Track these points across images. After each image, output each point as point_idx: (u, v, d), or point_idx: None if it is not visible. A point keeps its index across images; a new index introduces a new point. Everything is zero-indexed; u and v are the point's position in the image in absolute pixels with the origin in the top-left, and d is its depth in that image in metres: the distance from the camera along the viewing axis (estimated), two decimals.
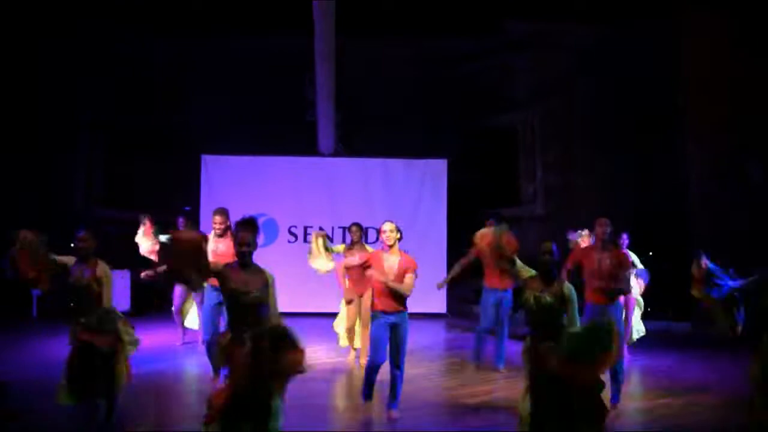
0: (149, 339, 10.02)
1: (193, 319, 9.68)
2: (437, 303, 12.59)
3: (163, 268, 5.63)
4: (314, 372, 7.88)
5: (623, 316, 8.37)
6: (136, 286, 12.41)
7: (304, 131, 13.74)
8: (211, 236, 7.47)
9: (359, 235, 8.53)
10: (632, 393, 7.03)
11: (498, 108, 13.95)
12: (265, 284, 4.58)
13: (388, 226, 6.02)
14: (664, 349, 9.30)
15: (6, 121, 12.64)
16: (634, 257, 8.62)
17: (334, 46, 11.47)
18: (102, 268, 5.76)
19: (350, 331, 8.41)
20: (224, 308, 6.72)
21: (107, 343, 5.42)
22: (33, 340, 9.85)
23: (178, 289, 9.66)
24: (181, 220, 9.96)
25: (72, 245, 5.88)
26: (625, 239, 8.75)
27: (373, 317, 5.99)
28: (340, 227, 13.00)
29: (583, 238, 8.34)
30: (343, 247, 8.66)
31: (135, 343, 5.73)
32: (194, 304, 9.57)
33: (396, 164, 13.44)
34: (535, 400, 4.61)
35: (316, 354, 9.04)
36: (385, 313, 5.89)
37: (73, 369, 5.46)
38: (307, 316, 10.76)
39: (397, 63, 14.27)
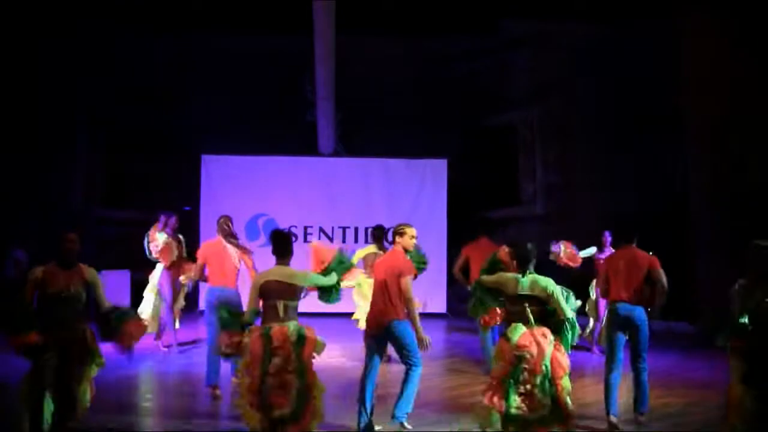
0: (149, 339, 10.03)
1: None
2: (437, 303, 12.62)
3: None
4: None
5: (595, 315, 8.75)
6: (136, 286, 12.43)
7: (304, 131, 13.75)
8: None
9: None
10: (632, 393, 7.02)
11: (498, 108, 13.95)
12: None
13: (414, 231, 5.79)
14: (664, 349, 9.30)
15: (6, 121, 12.64)
16: None
17: (334, 46, 11.47)
18: (90, 271, 5.45)
19: None
20: None
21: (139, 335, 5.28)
22: None
23: (166, 278, 9.14)
24: (162, 217, 9.42)
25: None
26: (607, 237, 8.83)
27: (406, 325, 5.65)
28: (340, 227, 13.04)
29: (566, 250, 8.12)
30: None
31: (101, 363, 5.41)
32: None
33: (396, 164, 13.45)
34: None
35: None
36: None
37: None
38: (308, 316, 10.74)
39: (396, 63, 14.28)
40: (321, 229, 13.21)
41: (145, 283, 12.91)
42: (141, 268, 12.86)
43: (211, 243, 7.22)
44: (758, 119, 10.47)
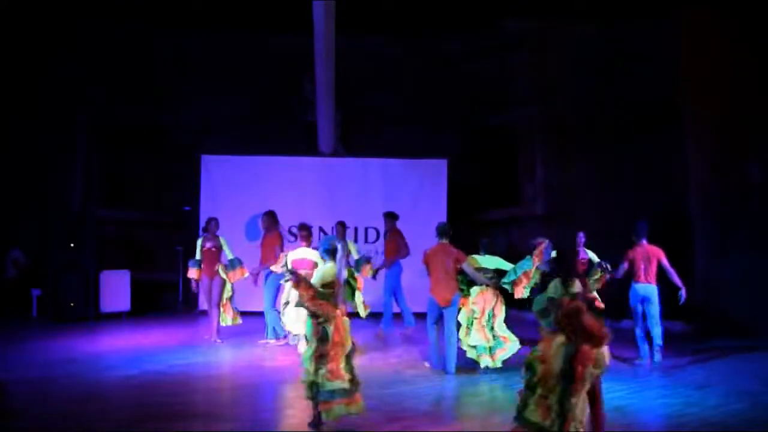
0: (149, 339, 10.05)
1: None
2: None
3: None
4: None
5: None
6: (136, 285, 12.43)
7: (304, 131, 13.76)
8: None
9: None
10: (632, 392, 7.03)
11: (498, 107, 13.94)
12: None
13: None
14: (663, 349, 9.29)
15: (6, 121, 12.65)
16: (591, 255, 8.81)
17: (334, 46, 11.47)
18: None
19: None
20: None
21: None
22: (33, 340, 9.85)
23: (217, 282, 9.63)
24: (213, 222, 9.98)
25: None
26: (581, 238, 8.99)
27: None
28: None
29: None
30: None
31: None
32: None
33: (396, 164, 13.45)
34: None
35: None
36: None
37: None
38: None
39: (396, 63, 14.28)
40: (321, 229, 13.20)
41: (146, 282, 12.93)
42: (141, 267, 12.93)
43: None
44: (758, 118, 10.47)
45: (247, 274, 9.73)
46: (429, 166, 13.47)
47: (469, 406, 6.39)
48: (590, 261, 8.86)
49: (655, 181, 12.09)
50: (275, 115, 14.01)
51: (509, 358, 7.82)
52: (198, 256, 9.76)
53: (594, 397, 4.61)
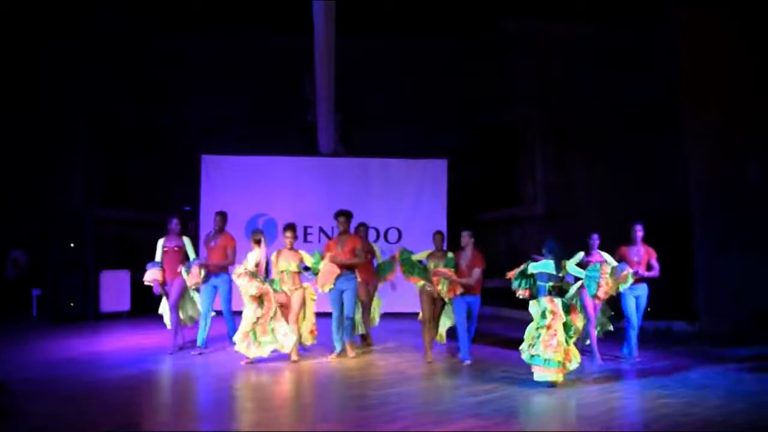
0: (149, 339, 10.05)
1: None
2: None
3: None
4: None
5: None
6: (136, 285, 12.43)
7: (304, 131, 13.76)
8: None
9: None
10: (632, 392, 7.03)
11: (498, 107, 13.95)
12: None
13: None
14: (664, 349, 9.30)
15: (6, 121, 12.64)
16: (606, 256, 8.57)
17: (334, 46, 11.47)
18: None
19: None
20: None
21: None
22: (33, 340, 9.85)
23: (178, 283, 8.82)
24: (174, 221, 9.12)
25: None
26: (595, 239, 8.80)
27: None
28: None
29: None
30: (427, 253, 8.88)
31: None
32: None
33: (396, 164, 13.46)
34: None
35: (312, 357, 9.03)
36: None
37: None
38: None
39: (396, 63, 14.29)
40: (321, 229, 13.21)
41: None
42: (141, 268, 12.93)
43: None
44: (758, 118, 10.48)
45: (203, 277, 8.81)
46: (429, 166, 13.48)
47: (470, 406, 6.39)
48: (606, 262, 8.40)
49: (655, 181, 12.08)
50: (275, 115, 14.02)
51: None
52: (158, 258, 8.90)
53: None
